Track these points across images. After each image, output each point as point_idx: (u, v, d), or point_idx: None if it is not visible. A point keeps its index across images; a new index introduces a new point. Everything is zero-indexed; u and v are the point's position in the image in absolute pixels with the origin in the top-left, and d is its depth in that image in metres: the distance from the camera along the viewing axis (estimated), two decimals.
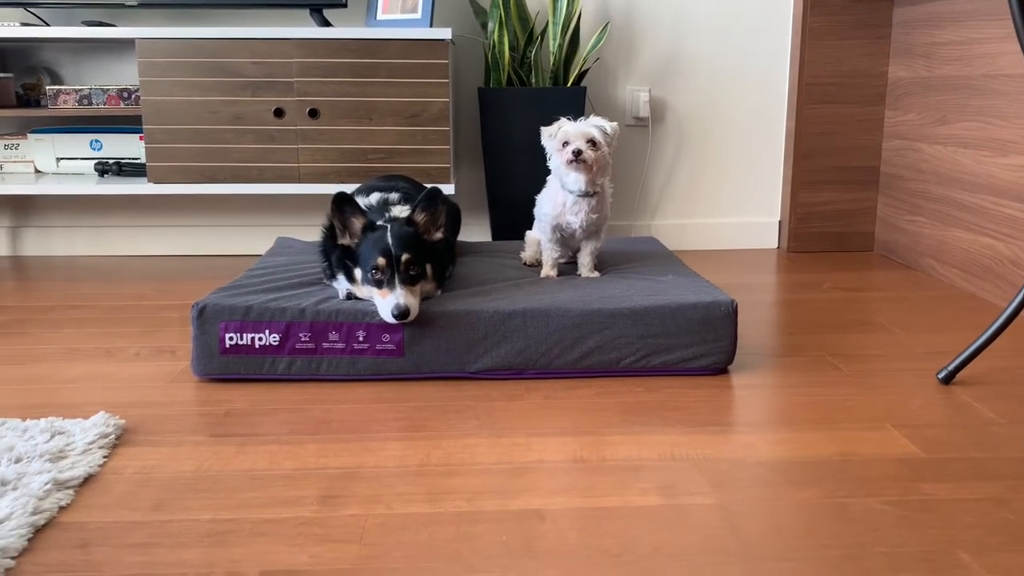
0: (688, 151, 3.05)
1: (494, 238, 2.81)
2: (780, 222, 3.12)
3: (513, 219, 2.75)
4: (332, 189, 2.55)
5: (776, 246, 3.14)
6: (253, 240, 2.98)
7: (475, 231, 2.99)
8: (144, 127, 2.52)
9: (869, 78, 2.93)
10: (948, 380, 1.71)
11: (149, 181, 2.56)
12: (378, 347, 1.73)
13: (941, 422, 1.52)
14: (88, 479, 1.31)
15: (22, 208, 2.97)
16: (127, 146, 2.75)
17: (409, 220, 1.77)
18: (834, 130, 2.97)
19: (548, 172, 2.02)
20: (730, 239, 3.12)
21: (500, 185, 2.76)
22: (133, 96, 2.63)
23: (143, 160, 2.69)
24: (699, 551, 1.11)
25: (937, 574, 1.05)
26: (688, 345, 1.75)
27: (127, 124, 2.77)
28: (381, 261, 1.69)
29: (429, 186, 1.84)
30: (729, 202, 3.11)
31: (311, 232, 2.89)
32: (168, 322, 2.16)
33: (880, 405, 1.60)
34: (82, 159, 2.77)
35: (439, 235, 1.81)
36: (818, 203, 3.03)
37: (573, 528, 1.17)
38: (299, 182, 2.57)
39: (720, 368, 1.78)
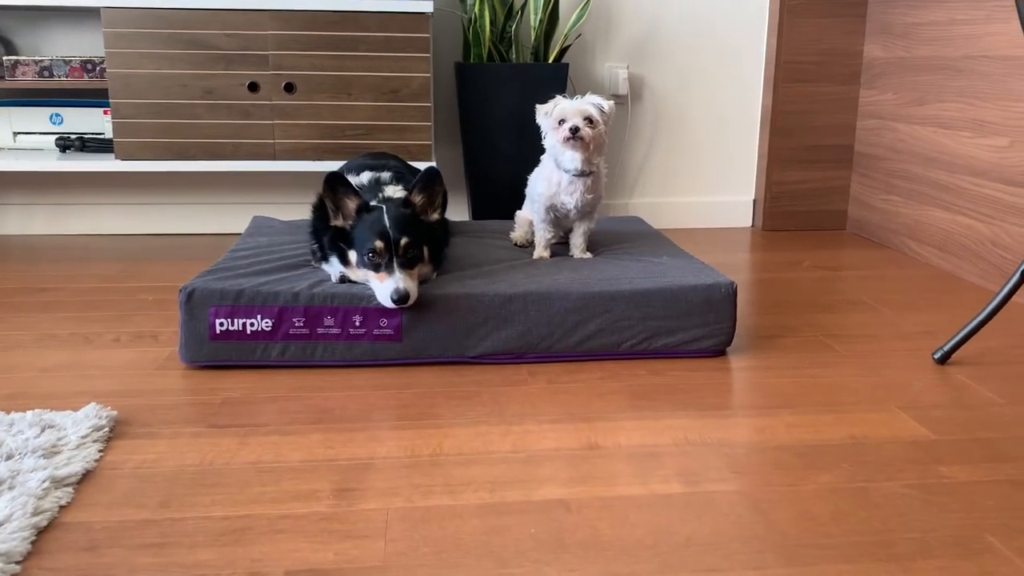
0: (666, 129, 3.04)
1: (474, 217, 2.77)
2: (755, 201, 3.13)
3: (494, 198, 2.71)
4: (309, 167, 2.49)
5: (751, 224, 3.15)
6: (226, 218, 2.89)
7: (453, 210, 2.93)
8: (111, 101, 2.41)
9: (845, 57, 2.94)
10: (944, 360, 1.73)
11: (116, 158, 2.45)
12: (375, 332, 1.68)
13: (944, 403, 1.54)
14: (86, 475, 1.25)
15: None
16: (90, 120, 2.63)
17: (406, 201, 1.72)
18: (809, 109, 2.98)
19: (532, 151, 1.98)
20: (706, 217, 3.12)
21: (480, 163, 2.71)
22: (98, 68, 2.51)
23: (108, 135, 2.58)
24: (733, 540, 1.10)
25: (969, 559, 1.06)
26: (689, 327, 1.74)
27: (90, 98, 2.64)
28: (379, 244, 1.64)
29: (427, 165, 1.78)
30: (705, 181, 3.11)
31: (288, 210, 2.81)
32: (143, 305, 2.08)
33: (882, 386, 1.61)
34: (41, 134, 2.64)
35: (436, 216, 1.77)
36: (792, 182, 3.04)
37: (602, 518, 1.15)
38: (274, 159, 2.49)
39: (720, 350, 1.78)
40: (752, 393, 1.59)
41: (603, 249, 2.06)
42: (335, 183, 1.69)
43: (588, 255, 2.00)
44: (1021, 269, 1.61)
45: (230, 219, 2.88)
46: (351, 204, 1.70)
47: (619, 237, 2.19)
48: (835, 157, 3.03)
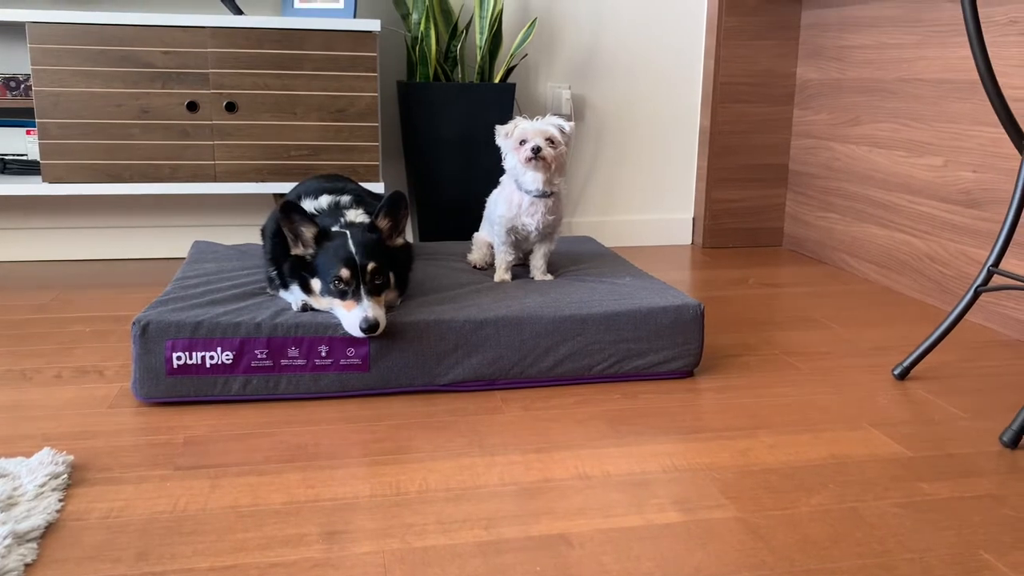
0: (607, 148, 3.06)
1: (421, 238, 2.72)
2: (694, 219, 3.18)
3: (440, 219, 2.67)
4: (252, 188, 2.41)
5: (690, 242, 3.19)
6: (163, 242, 2.75)
7: None
8: (37, 121, 2.28)
9: (780, 78, 3.02)
10: (903, 376, 1.78)
11: (44, 180, 2.31)
12: (342, 362, 1.62)
13: (911, 419, 1.58)
14: (49, 528, 1.16)
15: None
16: (11, 141, 2.48)
17: (372, 226, 1.67)
18: (746, 128, 3.05)
19: (479, 171, 1.96)
20: (647, 235, 3.15)
21: (425, 184, 2.67)
22: (22, 86, 2.37)
23: (32, 156, 2.43)
24: (742, 569, 1.09)
25: None
26: (659, 349, 1.74)
27: (12, 117, 2.49)
28: (345, 272, 1.59)
29: (377, 186, 1.74)
30: (646, 199, 3.14)
31: (231, 233, 2.71)
32: (81, 337, 1.96)
33: (850, 404, 1.64)
34: None
35: (400, 241, 1.72)
36: (730, 200, 3.10)
37: (606, 552, 1.12)
38: (215, 181, 2.39)
39: (687, 371, 1.78)
40: (726, 414, 1.59)
41: (563, 270, 2.05)
42: (290, 211, 1.62)
43: (549, 276, 1.99)
44: (975, 287, 1.67)
45: (168, 243, 2.75)
46: (308, 232, 1.64)
47: (575, 258, 2.18)
48: (771, 175, 3.11)
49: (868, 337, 2.06)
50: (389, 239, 1.69)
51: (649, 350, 1.73)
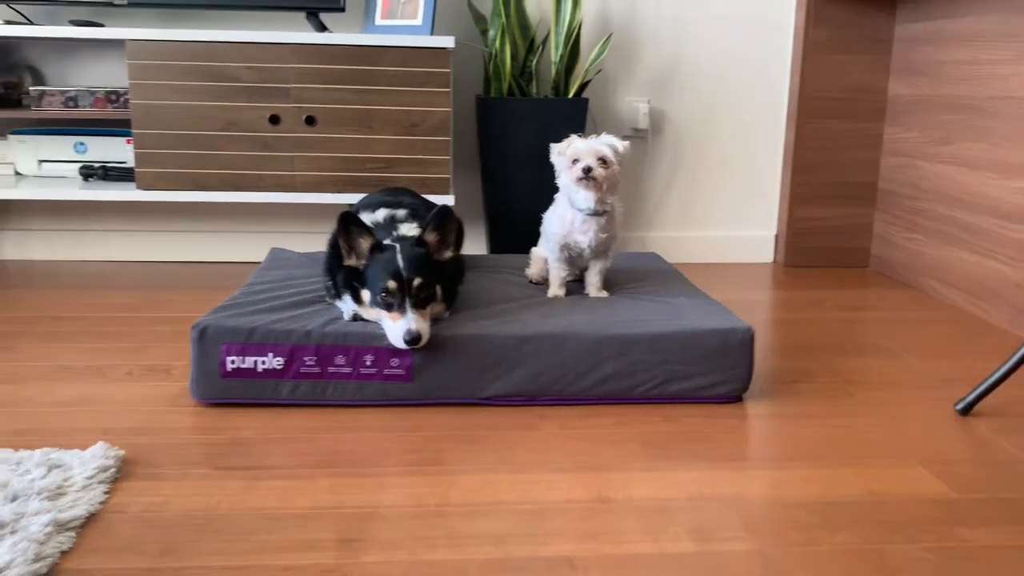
0: (685, 163, 3.02)
1: (492, 251, 2.76)
2: (776, 236, 3.10)
3: (513, 232, 2.70)
4: (329, 199, 2.50)
5: (772, 260, 3.11)
6: (246, 247, 2.90)
7: (471, 243, 2.93)
8: (133, 131, 2.43)
9: (870, 93, 2.91)
10: (966, 411, 1.69)
11: (138, 187, 2.47)
12: (386, 372, 1.67)
13: (966, 458, 1.50)
14: (90, 519, 1.24)
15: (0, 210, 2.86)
16: (113, 149, 2.66)
17: (420, 240, 1.71)
18: (833, 145, 2.95)
19: (551, 186, 1.96)
20: (726, 252, 3.09)
21: (499, 197, 2.71)
22: (121, 99, 2.54)
23: (130, 164, 2.60)
24: None
25: None
26: (705, 372, 1.71)
27: (113, 127, 2.67)
28: (392, 284, 1.63)
29: (442, 199, 1.78)
30: (725, 215, 3.08)
31: (307, 240, 2.82)
32: (160, 337, 2.08)
33: (903, 439, 1.58)
34: (66, 162, 2.66)
35: (449, 254, 1.76)
36: (815, 218, 3.01)
37: None
38: (295, 191, 2.50)
39: (736, 396, 1.74)
40: (768, 443, 1.55)
41: (619, 287, 2.04)
42: (348, 223, 1.68)
43: (604, 294, 1.98)
44: None
45: (250, 247, 2.89)
46: (364, 244, 1.70)
47: (636, 275, 2.16)
48: (859, 194, 2.99)
49: (941, 368, 1.97)
50: (437, 253, 1.73)
51: (695, 373, 1.71)
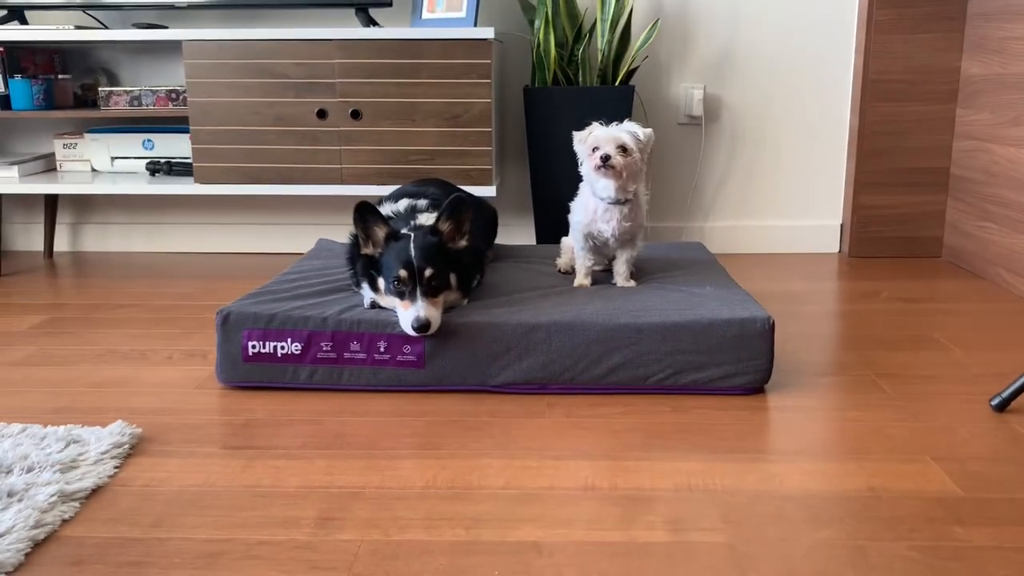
0: (743, 150, 2.94)
1: (538, 241, 2.76)
2: (842, 225, 2.98)
3: (559, 222, 2.68)
4: (375, 191, 2.55)
5: (837, 250, 3.00)
6: (298, 239, 2.99)
7: (520, 233, 2.94)
8: (190, 128, 2.55)
9: (940, 74, 2.76)
10: (1002, 408, 1.59)
11: (195, 181, 2.58)
12: (399, 358, 1.70)
13: (987, 456, 1.41)
14: (96, 491, 1.32)
15: (81, 205, 3.04)
16: (178, 146, 2.79)
17: (433, 229, 1.74)
18: (901, 129, 2.81)
19: None
20: (788, 242, 2.99)
21: (545, 187, 2.71)
22: (181, 97, 2.67)
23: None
24: None
25: None
26: (721, 363, 1.67)
27: (179, 124, 2.81)
28: (403, 273, 1.66)
29: (485, 190, 1.80)
30: (787, 204, 2.98)
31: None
32: (206, 324, 2.18)
33: (922, 434, 1.50)
34: (135, 158, 2.82)
35: (464, 243, 1.77)
36: (882, 206, 2.88)
37: (571, 564, 1.11)
38: (342, 183, 2.57)
39: (755, 388, 1.70)
40: (777, 436, 1.51)
41: (649, 277, 2.01)
42: (364, 212, 1.72)
43: (632, 283, 1.96)
44: None
45: (301, 239, 2.98)
46: (379, 232, 1.73)
47: (672, 264, 2.13)
48: (929, 180, 2.85)
49: (988, 362, 1.86)
50: (451, 242, 1.75)
51: (709, 363, 1.67)
